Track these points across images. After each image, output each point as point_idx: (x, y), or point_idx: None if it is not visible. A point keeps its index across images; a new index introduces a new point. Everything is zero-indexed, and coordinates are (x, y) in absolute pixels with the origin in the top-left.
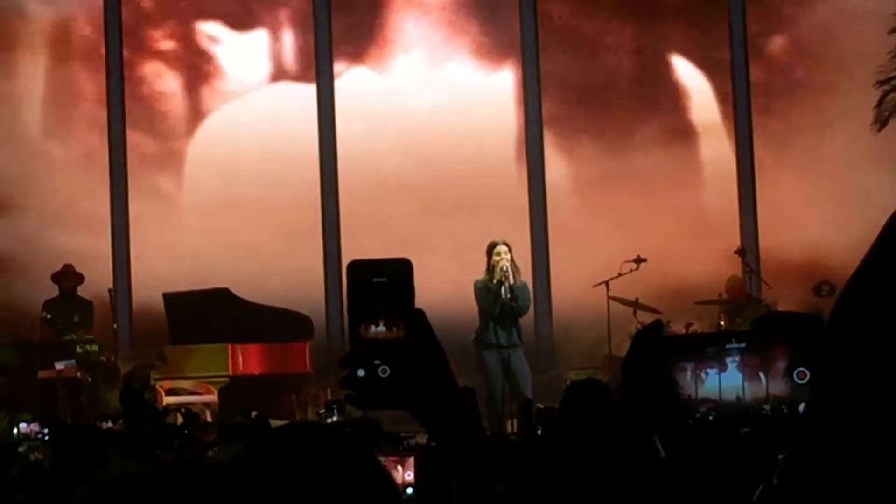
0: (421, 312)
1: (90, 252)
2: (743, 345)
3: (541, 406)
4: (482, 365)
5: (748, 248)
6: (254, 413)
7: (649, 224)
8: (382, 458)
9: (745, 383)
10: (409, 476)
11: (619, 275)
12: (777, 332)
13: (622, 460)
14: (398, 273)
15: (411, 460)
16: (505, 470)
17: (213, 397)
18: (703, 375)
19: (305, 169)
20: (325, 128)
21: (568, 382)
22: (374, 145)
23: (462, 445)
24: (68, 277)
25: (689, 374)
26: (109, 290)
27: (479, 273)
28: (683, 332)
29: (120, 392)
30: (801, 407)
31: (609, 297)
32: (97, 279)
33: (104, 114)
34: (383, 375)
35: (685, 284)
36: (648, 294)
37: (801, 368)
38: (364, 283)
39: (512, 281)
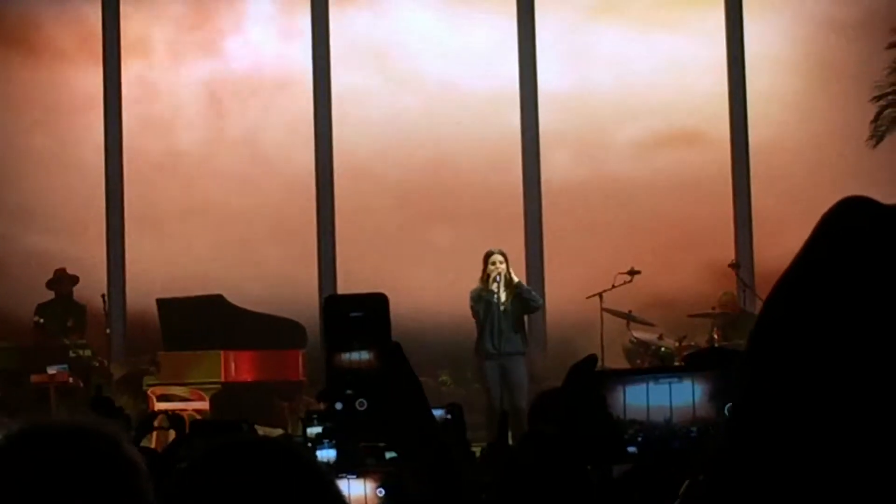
0: (397, 346)
1: (83, 257)
2: (675, 378)
3: None
4: (481, 375)
5: (742, 262)
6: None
7: (644, 236)
8: (349, 477)
9: (673, 406)
10: (381, 493)
11: (613, 286)
12: (709, 362)
13: (560, 490)
14: (374, 307)
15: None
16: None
17: (204, 404)
18: (631, 398)
19: (301, 176)
20: (321, 135)
21: None
22: (371, 152)
23: (437, 475)
24: (63, 281)
25: (618, 396)
26: (103, 296)
27: (474, 281)
28: (676, 345)
29: (91, 399)
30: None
31: (602, 309)
32: (91, 284)
33: (100, 115)
34: (361, 409)
35: (679, 297)
36: (641, 306)
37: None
38: (341, 317)
39: (504, 289)
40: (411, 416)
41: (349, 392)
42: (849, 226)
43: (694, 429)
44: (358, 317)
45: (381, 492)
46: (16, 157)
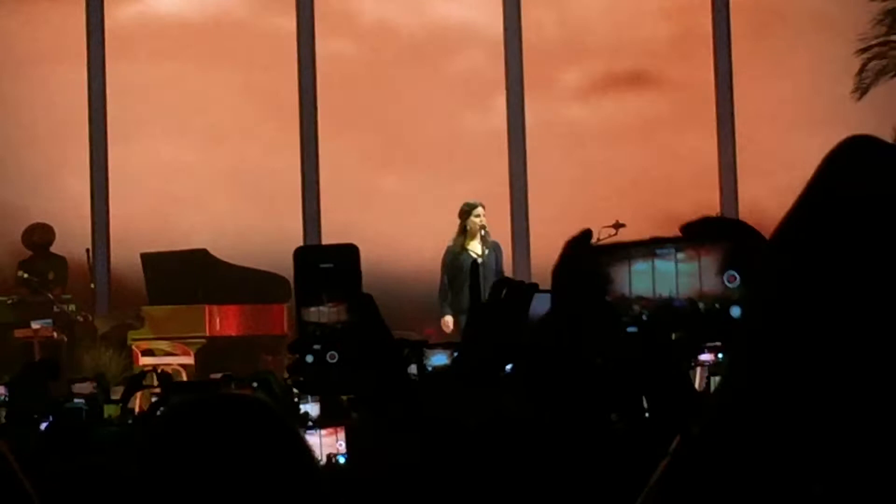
0: (368, 297)
1: (69, 211)
2: (674, 248)
3: None
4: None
5: (727, 213)
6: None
7: (627, 183)
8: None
9: (679, 280)
10: (342, 445)
11: (598, 240)
12: (708, 233)
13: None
14: (345, 258)
15: (342, 430)
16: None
17: (189, 359)
18: (635, 274)
19: (285, 130)
20: (305, 90)
21: None
22: (353, 107)
23: (407, 429)
24: (38, 233)
25: (621, 273)
26: (87, 250)
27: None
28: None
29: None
30: (733, 310)
31: None
32: (76, 239)
33: (83, 69)
34: (332, 361)
35: None
36: None
37: (731, 272)
38: (311, 268)
39: (488, 245)
40: (382, 369)
41: (317, 347)
42: (855, 165)
43: (701, 304)
44: (328, 268)
45: (341, 445)
46: None
